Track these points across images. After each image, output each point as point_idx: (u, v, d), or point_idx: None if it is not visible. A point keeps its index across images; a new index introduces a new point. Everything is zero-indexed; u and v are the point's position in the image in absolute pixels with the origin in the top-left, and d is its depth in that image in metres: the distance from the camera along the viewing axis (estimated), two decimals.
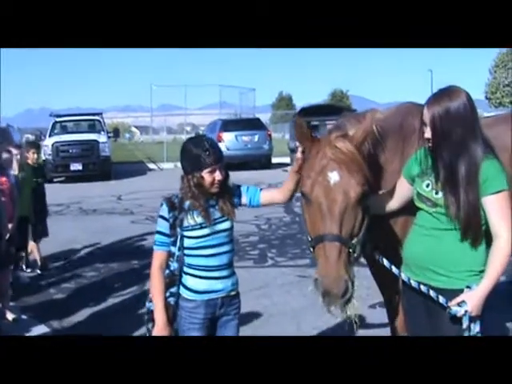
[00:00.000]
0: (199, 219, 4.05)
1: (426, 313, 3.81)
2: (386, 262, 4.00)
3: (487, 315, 3.61)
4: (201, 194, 4.04)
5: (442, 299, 3.62)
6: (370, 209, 3.77)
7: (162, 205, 4.17)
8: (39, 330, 7.27)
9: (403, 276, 3.87)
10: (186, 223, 4.07)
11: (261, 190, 4.39)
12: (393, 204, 4.03)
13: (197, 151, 4.02)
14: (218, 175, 4.02)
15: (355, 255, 3.61)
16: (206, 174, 4.00)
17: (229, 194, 4.21)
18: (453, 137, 3.54)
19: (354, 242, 3.56)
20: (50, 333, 7.12)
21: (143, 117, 59.87)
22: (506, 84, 62.60)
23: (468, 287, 3.55)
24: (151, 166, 32.90)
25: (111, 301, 8.43)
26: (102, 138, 25.83)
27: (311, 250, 3.70)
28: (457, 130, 3.53)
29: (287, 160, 30.03)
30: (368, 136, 3.68)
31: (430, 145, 3.65)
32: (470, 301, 3.50)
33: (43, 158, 21.17)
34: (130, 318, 7.36)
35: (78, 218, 15.07)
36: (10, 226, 7.51)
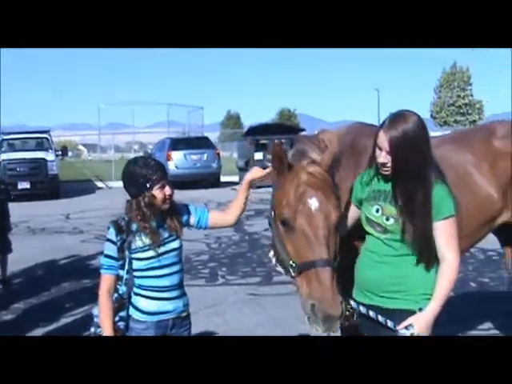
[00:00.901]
0: (147, 240, 4.04)
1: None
2: None
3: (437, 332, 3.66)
4: (151, 214, 4.02)
5: (390, 323, 3.64)
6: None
7: (109, 228, 4.12)
8: None
9: (352, 303, 3.82)
10: (134, 245, 4.05)
11: (209, 211, 4.41)
12: (347, 224, 4.05)
13: (141, 171, 3.98)
14: (167, 190, 4.02)
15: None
16: (156, 192, 3.99)
17: (175, 211, 4.19)
18: (412, 162, 3.54)
19: (335, 263, 3.61)
20: None
21: (91, 135, 59.32)
22: (450, 103, 63.77)
23: (420, 309, 3.60)
24: (99, 184, 32.66)
25: (63, 321, 8.36)
26: (49, 156, 25.61)
27: (293, 274, 3.67)
28: (415, 155, 3.55)
29: (236, 179, 30.17)
30: (334, 160, 3.72)
31: (386, 170, 3.64)
32: (418, 324, 3.56)
33: None
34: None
35: (27, 238, 14.91)
36: None
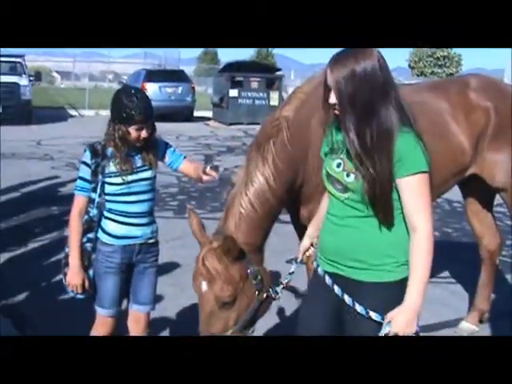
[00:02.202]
0: (120, 167, 4.10)
1: (334, 307, 3.28)
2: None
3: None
4: (123, 145, 4.07)
5: (359, 308, 3.11)
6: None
7: (85, 151, 4.17)
8: None
9: (319, 270, 3.38)
10: (107, 170, 4.11)
11: (184, 157, 4.47)
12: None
13: (127, 103, 3.97)
14: (143, 133, 4.05)
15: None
16: (132, 130, 4.01)
17: (154, 147, 4.24)
18: (358, 99, 2.96)
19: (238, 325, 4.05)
20: None
21: (65, 62, 58.42)
22: (429, 55, 63.37)
23: (396, 281, 3.08)
24: (72, 112, 32.35)
25: (31, 245, 8.45)
26: (23, 81, 25.17)
27: None
28: (363, 92, 2.95)
29: (209, 114, 30.07)
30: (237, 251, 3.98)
31: (337, 112, 3.06)
32: (395, 324, 2.95)
33: None
34: (50, 262, 7.52)
35: None
36: None
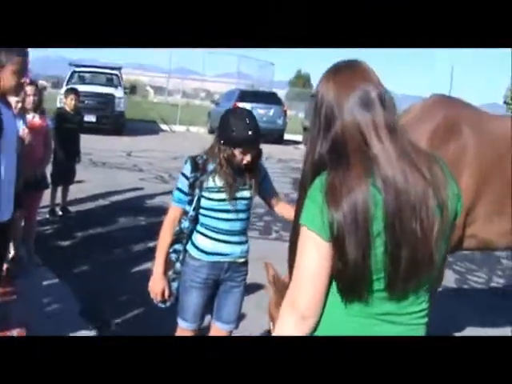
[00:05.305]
0: (220, 183, 4.06)
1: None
2: None
3: None
4: (228, 164, 4.02)
5: None
6: None
7: (186, 162, 4.16)
8: (49, 277, 7.30)
9: None
10: (206, 184, 4.08)
11: (275, 192, 4.50)
12: None
13: (238, 125, 3.93)
14: (248, 157, 4.00)
15: None
16: (237, 152, 3.97)
17: (256, 170, 4.20)
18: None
19: None
20: (59, 283, 7.19)
21: (159, 77, 59.58)
22: None
23: None
24: (164, 127, 32.88)
25: (116, 252, 8.56)
26: (118, 92, 25.72)
27: None
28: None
29: (299, 138, 30.03)
30: None
31: None
32: None
33: (58, 105, 21.05)
34: (133, 271, 7.59)
35: (88, 170, 15.01)
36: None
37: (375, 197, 2.11)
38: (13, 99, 6.64)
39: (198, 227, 4.17)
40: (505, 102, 65.51)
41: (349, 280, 2.15)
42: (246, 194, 4.17)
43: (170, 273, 4.24)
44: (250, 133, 3.94)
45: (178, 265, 4.22)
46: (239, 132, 3.92)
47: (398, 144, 2.20)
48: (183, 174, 4.16)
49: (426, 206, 2.14)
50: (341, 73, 2.31)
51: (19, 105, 6.97)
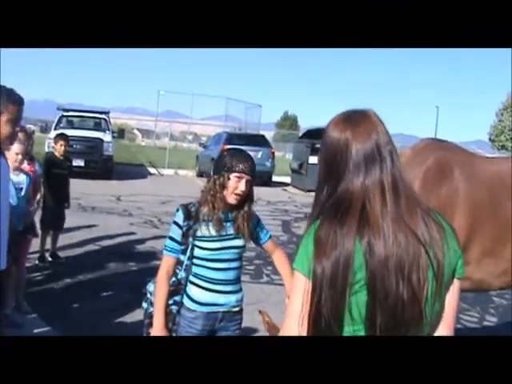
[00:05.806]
0: (213, 231, 4.05)
1: None
2: None
3: None
4: (221, 199, 4.02)
5: None
6: None
7: (177, 211, 4.15)
8: (40, 325, 7.26)
9: None
10: (199, 233, 4.06)
11: (270, 237, 4.46)
12: None
13: (231, 158, 4.03)
14: (242, 185, 4.01)
15: None
16: (232, 177, 3.99)
17: (248, 218, 4.18)
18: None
19: None
20: (50, 330, 7.13)
21: (147, 120, 59.82)
22: (511, 128, 62.51)
23: None
24: (152, 170, 32.91)
25: (106, 298, 8.49)
26: (106, 137, 25.77)
27: None
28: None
29: (287, 179, 30.12)
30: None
31: None
32: None
33: (46, 150, 21.00)
34: (124, 318, 7.55)
35: (77, 215, 14.96)
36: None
37: (360, 258, 2.13)
38: (12, 152, 6.67)
39: (192, 277, 4.13)
40: (490, 139, 66.04)
41: (323, 327, 2.20)
42: (239, 242, 4.16)
43: (170, 325, 4.17)
44: (244, 158, 4.05)
45: (178, 316, 4.19)
46: (235, 157, 4.03)
47: (398, 201, 2.21)
48: (176, 223, 4.13)
49: (418, 266, 2.14)
50: (356, 124, 2.30)
51: (19, 157, 6.96)
